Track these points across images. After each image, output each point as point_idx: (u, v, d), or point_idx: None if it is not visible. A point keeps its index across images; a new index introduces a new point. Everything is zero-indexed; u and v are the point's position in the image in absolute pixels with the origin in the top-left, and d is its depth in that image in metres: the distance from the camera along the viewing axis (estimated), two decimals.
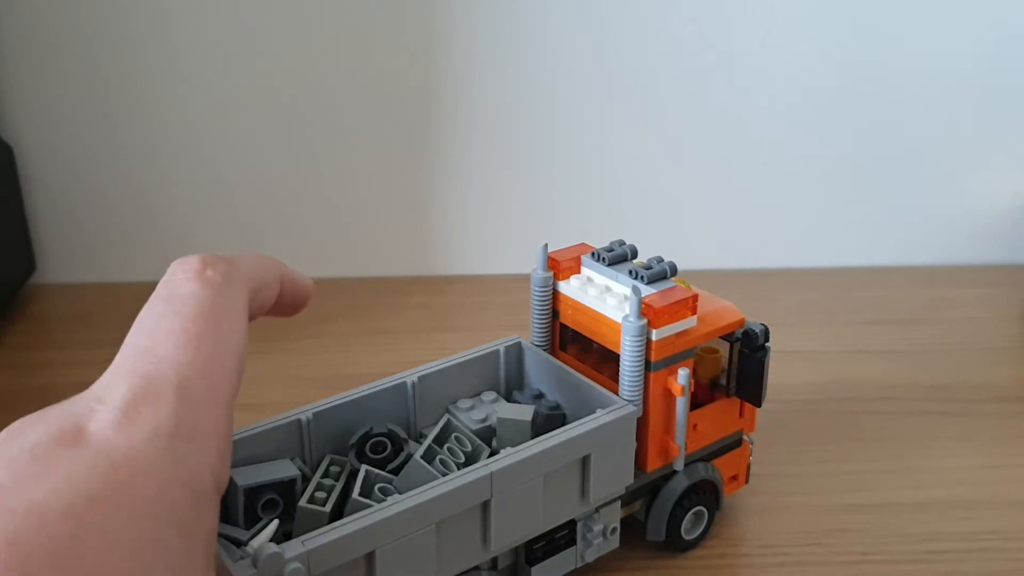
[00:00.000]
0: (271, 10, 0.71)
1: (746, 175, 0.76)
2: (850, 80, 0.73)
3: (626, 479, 0.39)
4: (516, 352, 0.44)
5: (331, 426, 0.39)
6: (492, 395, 0.42)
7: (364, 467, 0.37)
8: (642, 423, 0.39)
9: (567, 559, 0.39)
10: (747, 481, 0.45)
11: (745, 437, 0.44)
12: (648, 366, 0.38)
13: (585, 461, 0.37)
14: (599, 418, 0.37)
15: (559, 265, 0.42)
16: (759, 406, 0.41)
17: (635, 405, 0.38)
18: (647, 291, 0.39)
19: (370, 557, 0.32)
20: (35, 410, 0.25)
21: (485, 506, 0.35)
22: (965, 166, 0.76)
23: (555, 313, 0.43)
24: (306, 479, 0.37)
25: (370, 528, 0.32)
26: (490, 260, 0.77)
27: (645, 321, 0.38)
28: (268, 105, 0.74)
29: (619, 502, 0.40)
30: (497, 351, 0.43)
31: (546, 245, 0.42)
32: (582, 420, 0.37)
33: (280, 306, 0.34)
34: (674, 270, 0.40)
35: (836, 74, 0.73)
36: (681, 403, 0.39)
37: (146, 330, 0.27)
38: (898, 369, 0.60)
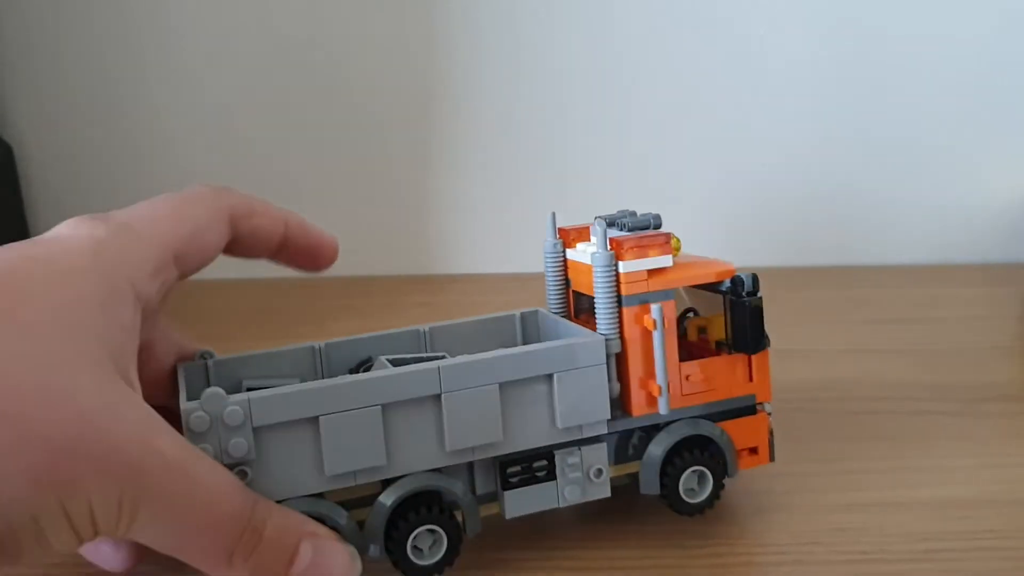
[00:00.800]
0: (272, 11, 0.71)
1: (746, 174, 0.76)
2: (850, 79, 0.74)
3: (600, 413, 0.40)
4: (533, 319, 0.46)
5: (344, 359, 0.43)
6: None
7: (346, 375, 0.40)
8: (622, 363, 0.40)
9: (546, 494, 0.40)
10: (772, 458, 0.44)
11: (763, 408, 0.44)
12: (620, 300, 0.40)
13: (550, 384, 0.39)
14: (563, 341, 0.39)
15: (568, 235, 0.45)
16: (751, 352, 0.42)
17: (608, 338, 0.40)
18: (621, 234, 0.41)
19: (316, 424, 0.35)
20: None
21: (438, 404, 0.37)
22: (964, 165, 0.76)
23: (569, 282, 0.45)
24: None
25: (313, 392, 0.35)
26: (490, 259, 0.77)
27: (612, 253, 0.40)
28: (268, 105, 0.74)
29: (604, 444, 0.40)
30: (513, 316, 0.46)
31: (554, 214, 0.45)
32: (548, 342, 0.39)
33: (291, 251, 0.41)
34: (658, 223, 0.42)
35: (836, 73, 0.73)
36: (657, 338, 0.39)
37: None
38: (897, 368, 0.60)
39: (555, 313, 0.45)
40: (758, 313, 0.41)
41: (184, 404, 0.34)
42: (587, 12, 0.72)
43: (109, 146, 0.76)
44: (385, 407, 0.36)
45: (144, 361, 0.39)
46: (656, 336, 0.39)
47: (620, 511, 0.45)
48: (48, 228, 0.84)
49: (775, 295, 0.71)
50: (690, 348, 0.44)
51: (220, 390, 0.35)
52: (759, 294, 0.41)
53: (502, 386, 0.38)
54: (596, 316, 0.40)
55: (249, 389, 0.40)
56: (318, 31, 0.73)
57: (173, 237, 0.35)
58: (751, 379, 0.43)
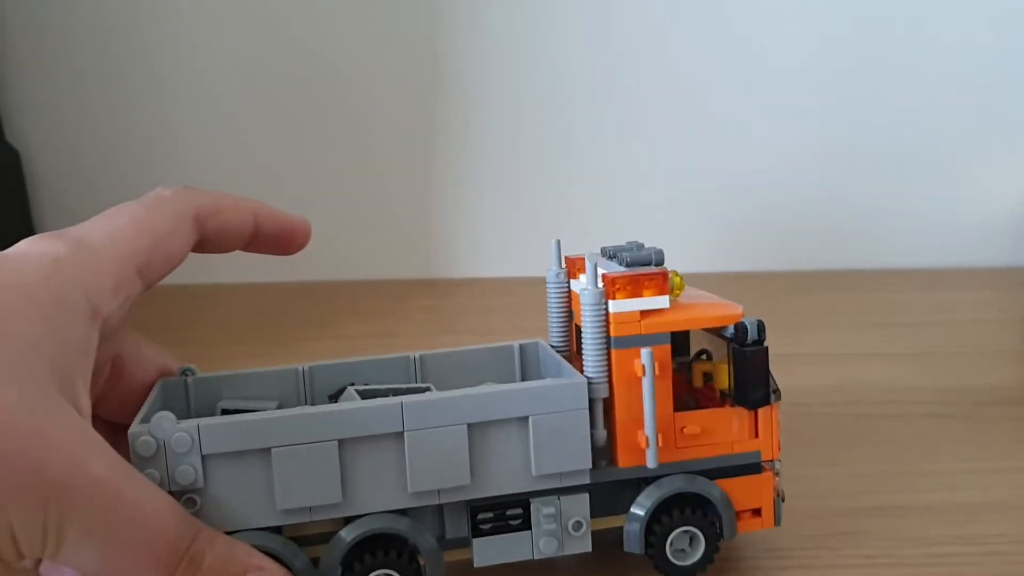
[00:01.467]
0: (278, 17, 0.72)
1: (750, 178, 0.76)
2: (854, 83, 0.73)
3: (580, 461, 0.37)
4: (534, 351, 0.44)
5: (328, 383, 0.42)
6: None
7: (305, 407, 0.39)
8: (610, 410, 0.38)
9: (520, 545, 0.38)
10: (778, 522, 0.40)
11: (771, 466, 0.40)
12: (609, 342, 0.37)
13: (526, 427, 0.37)
14: (541, 382, 0.37)
15: (574, 264, 0.42)
16: (750, 408, 0.38)
17: (593, 382, 0.37)
18: (618, 269, 0.39)
19: (268, 456, 0.34)
20: None
21: (400, 442, 0.35)
22: (970, 169, 0.76)
23: (572, 315, 0.43)
24: None
25: (265, 423, 0.34)
26: (495, 263, 0.77)
27: (601, 290, 0.37)
28: (273, 109, 0.74)
29: (586, 495, 0.38)
30: (511, 347, 0.44)
31: (559, 242, 0.42)
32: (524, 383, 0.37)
33: (263, 240, 0.39)
34: (660, 259, 0.39)
35: (839, 77, 0.73)
36: (647, 386, 0.37)
37: None
38: (904, 372, 0.60)
39: (556, 347, 0.43)
40: (762, 365, 0.38)
41: (132, 428, 0.34)
42: (588, 15, 0.72)
43: (115, 151, 0.77)
44: (343, 442, 0.35)
45: (114, 379, 0.38)
46: (645, 383, 0.37)
47: None
48: (52, 229, 0.84)
49: (782, 299, 0.71)
50: (695, 395, 0.41)
51: (170, 414, 0.34)
52: (765, 343, 0.38)
53: (472, 427, 0.36)
54: (583, 357, 0.38)
55: (224, 411, 0.39)
56: (322, 38, 0.74)
57: (134, 250, 0.34)
58: (756, 435, 0.39)
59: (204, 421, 0.34)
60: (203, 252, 0.39)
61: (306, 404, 0.41)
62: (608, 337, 0.37)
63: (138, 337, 0.40)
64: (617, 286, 0.37)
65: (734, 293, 0.44)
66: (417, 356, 0.42)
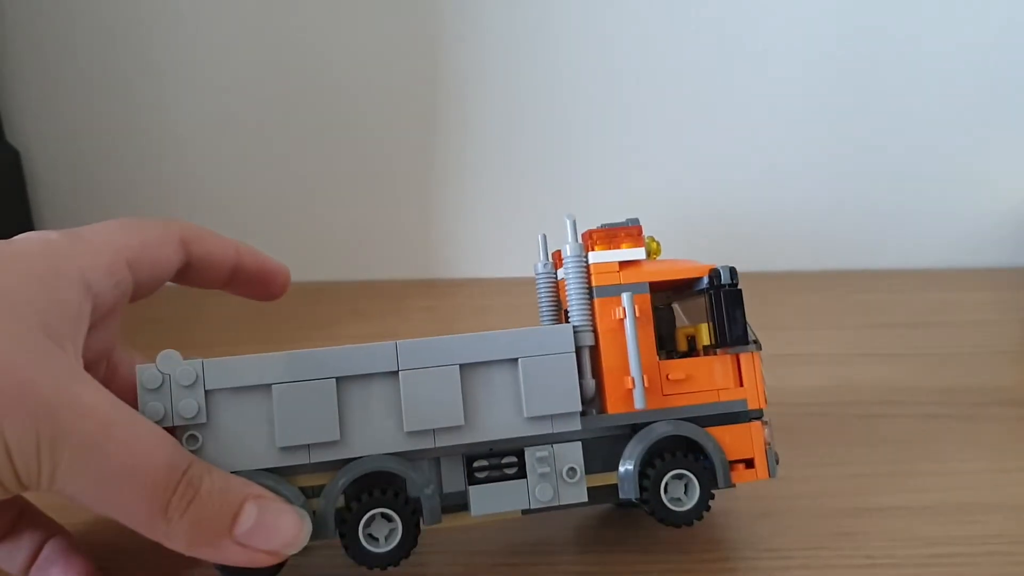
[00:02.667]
0: (280, 18, 0.72)
1: (750, 178, 0.76)
2: (855, 83, 0.73)
3: (570, 404, 0.39)
4: None
5: None
6: None
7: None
8: (597, 361, 0.40)
9: (516, 493, 0.39)
10: (771, 473, 0.41)
11: (761, 419, 0.42)
12: (591, 292, 0.40)
13: (516, 371, 0.38)
14: (530, 328, 0.39)
15: (559, 257, 0.44)
16: (733, 344, 0.40)
17: (579, 329, 0.40)
18: None
19: (269, 393, 0.36)
20: None
21: (396, 382, 0.37)
22: (970, 169, 0.76)
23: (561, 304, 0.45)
24: None
25: (267, 360, 0.37)
26: (494, 263, 0.77)
27: (581, 243, 0.40)
28: (271, 110, 0.74)
29: (579, 444, 0.39)
30: None
31: (545, 236, 0.44)
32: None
33: (244, 278, 0.42)
34: (635, 223, 0.42)
35: (840, 76, 0.73)
36: (629, 327, 0.39)
37: None
38: (904, 373, 0.60)
39: None
40: (737, 302, 0.40)
41: (139, 365, 0.36)
42: (588, 15, 0.72)
43: (116, 150, 0.77)
44: (340, 381, 0.37)
45: (107, 383, 0.40)
46: (628, 325, 0.39)
47: (623, 516, 0.45)
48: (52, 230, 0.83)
49: (782, 299, 0.71)
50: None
51: (176, 352, 0.36)
52: (738, 285, 0.41)
53: (465, 369, 0.38)
54: (568, 308, 0.40)
55: None
56: (321, 37, 0.74)
57: (126, 244, 0.37)
58: (741, 383, 0.41)
59: (209, 359, 0.36)
60: (188, 282, 0.42)
61: None
62: (590, 288, 0.40)
63: (131, 349, 0.42)
64: (595, 239, 0.40)
65: None
66: None
